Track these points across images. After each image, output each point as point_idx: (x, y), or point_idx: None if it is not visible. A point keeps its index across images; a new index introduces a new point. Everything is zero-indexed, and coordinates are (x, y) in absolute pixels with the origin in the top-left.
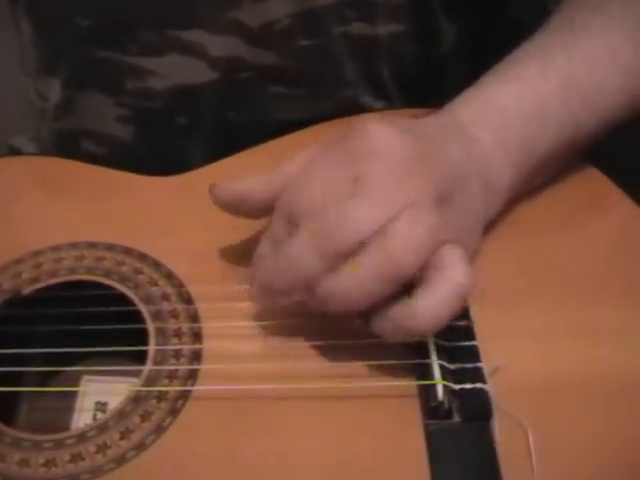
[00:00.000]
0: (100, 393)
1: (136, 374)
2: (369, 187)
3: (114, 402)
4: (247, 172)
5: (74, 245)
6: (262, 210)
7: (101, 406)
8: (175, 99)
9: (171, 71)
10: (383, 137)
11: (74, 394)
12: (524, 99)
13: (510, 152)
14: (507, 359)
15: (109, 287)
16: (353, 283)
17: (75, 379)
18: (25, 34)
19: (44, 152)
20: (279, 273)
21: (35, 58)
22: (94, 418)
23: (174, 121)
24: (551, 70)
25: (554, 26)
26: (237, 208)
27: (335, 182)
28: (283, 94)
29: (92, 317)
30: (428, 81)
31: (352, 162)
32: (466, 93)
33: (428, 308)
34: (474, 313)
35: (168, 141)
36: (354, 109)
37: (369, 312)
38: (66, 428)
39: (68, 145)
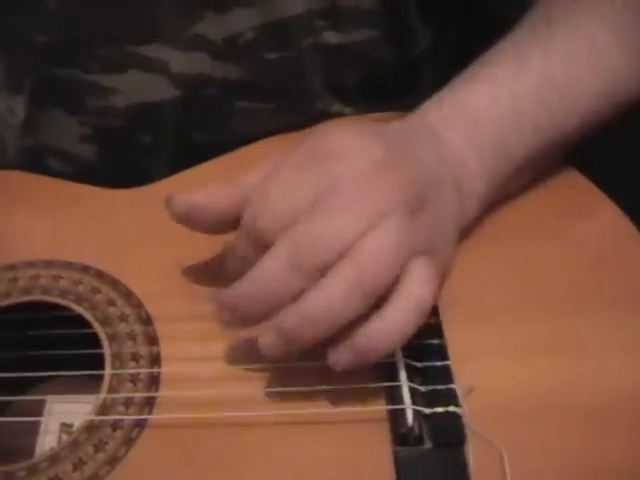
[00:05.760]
0: (66, 414)
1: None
2: (339, 196)
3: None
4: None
5: (30, 264)
6: (221, 223)
7: (67, 428)
8: (137, 117)
9: (132, 88)
10: (349, 139)
11: (39, 416)
12: (498, 100)
13: (484, 156)
14: (482, 379)
15: (65, 308)
16: (328, 300)
17: (40, 399)
18: None
19: (5, 166)
20: (255, 296)
21: (3, 74)
22: (59, 440)
23: (138, 140)
24: (526, 69)
25: (530, 23)
26: (194, 221)
27: (302, 190)
28: (251, 109)
29: (48, 340)
30: (400, 85)
31: (317, 167)
32: (437, 95)
33: (386, 325)
34: (447, 331)
35: (132, 160)
36: (324, 121)
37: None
38: (31, 452)
39: (35, 163)
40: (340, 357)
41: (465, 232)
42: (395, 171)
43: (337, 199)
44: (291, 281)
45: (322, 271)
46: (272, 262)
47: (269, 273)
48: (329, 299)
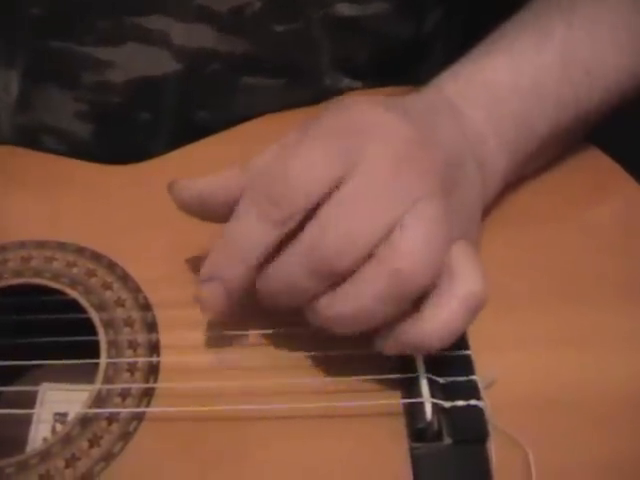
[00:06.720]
0: (59, 402)
1: None
2: (364, 183)
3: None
4: (213, 161)
5: (22, 244)
6: (229, 213)
7: (60, 417)
8: (136, 93)
9: (130, 62)
10: (379, 114)
11: (31, 404)
12: (518, 73)
13: (505, 132)
14: (503, 371)
15: (58, 291)
16: (358, 306)
17: (34, 386)
18: None
19: None
20: (274, 298)
21: None
22: (53, 430)
23: (136, 117)
24: (548, 40)
25: None
26: (200, 211)
27: (329, 165)
28: (256, 85)
29: (40, 326)
30: (410, 64)
31: (345, 142)
32: (454, 67)
33: (438, 324)
34: None
35: (130, 139)
36: (332, 98)
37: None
38: (23, 441)
39: (30, 142)
40: (385, 348)
41: (484, 214)
42: (423, 152)
43: (364, 186)
44: (308, 286)
45: (345, 275)
46: (290, 268)
47: (283, 275)
48: (360, 307)
